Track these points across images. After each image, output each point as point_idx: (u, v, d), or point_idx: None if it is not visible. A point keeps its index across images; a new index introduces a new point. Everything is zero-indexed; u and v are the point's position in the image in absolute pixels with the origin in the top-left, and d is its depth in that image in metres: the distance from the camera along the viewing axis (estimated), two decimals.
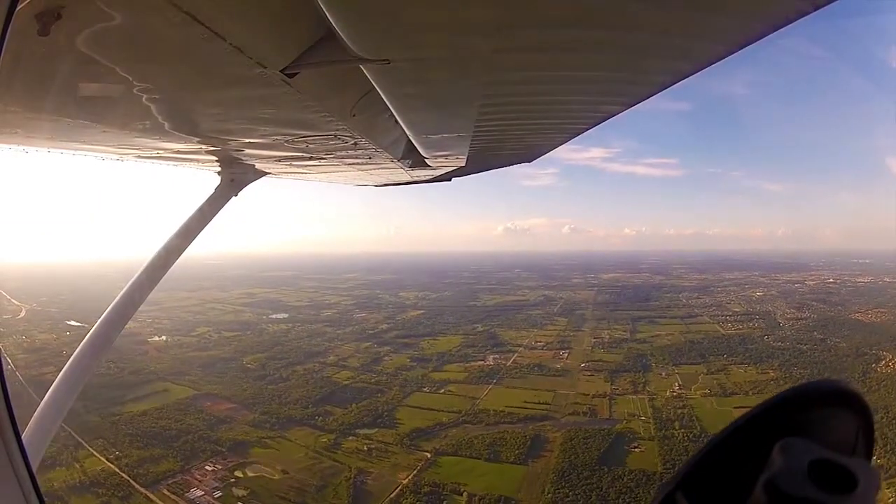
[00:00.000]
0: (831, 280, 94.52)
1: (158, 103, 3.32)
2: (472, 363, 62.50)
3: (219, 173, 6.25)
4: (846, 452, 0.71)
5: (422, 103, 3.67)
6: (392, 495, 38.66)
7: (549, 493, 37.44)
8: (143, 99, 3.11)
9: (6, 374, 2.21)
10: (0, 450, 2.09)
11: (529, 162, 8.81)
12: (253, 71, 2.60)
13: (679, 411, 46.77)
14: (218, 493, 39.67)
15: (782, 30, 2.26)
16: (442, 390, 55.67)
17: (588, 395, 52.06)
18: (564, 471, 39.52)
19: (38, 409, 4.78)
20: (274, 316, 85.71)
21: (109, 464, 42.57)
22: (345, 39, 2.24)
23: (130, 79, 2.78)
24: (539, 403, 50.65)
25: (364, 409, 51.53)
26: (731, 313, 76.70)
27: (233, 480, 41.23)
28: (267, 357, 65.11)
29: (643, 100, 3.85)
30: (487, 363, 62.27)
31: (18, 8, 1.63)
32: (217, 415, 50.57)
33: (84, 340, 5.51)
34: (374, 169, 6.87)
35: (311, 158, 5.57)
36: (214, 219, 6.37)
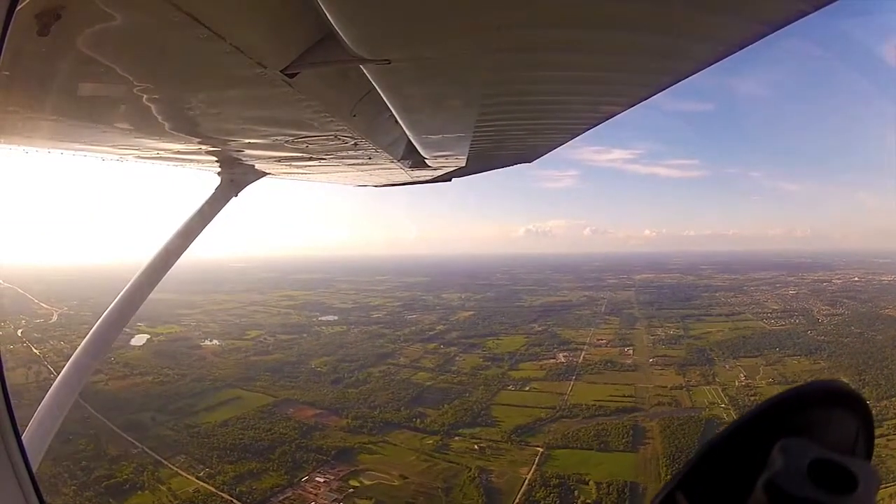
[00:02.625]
0: (857, 279, 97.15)
1: (158, 103, 3.32)
2: (545, 361, 63.55)
3: (219, 174, 6.24)
4: (846, 453, 0.71)
5: (422, 103, 3.67)
6: (522, 490, 38.52)
7: (666, 476, 37.58)
8: (143, 99, 3.11)
9: (6, 373, 2.21)
10: (0, 450, 2.09)
11: (530, 162, 8.81)
12: (253, 71, 2.60)
13: (752, 398, 48.80)
14: None
15: (782, 30, 2.26)
16: (527, 388, 56.34)
17: (666, 387, 54.17)
18: (674, 455, 40.34)
19: (39, 409, 4.77)
20: (323, 318, 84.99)
21: (202, 483, 38.97)
22: (345, 39, 2.24)
23: (130, 79, 2.78)
24: (624, 397, 52.42)
25: (457, 409, 51.31)
26: (770, 311, 79.56)
27: (351, 491, 38.82)
28: (335, 360, 64.19)
29: (643, 100, 3.85)
30: (560, 361, 63.56)
31: (18, 8, 1.63)
32: (305, 422, 48.77)
33: (84, 340, 5.51)
34: (375, 169, 6.87)
35: (311, 159, 5.57)
36: (214, 219, 6.36)
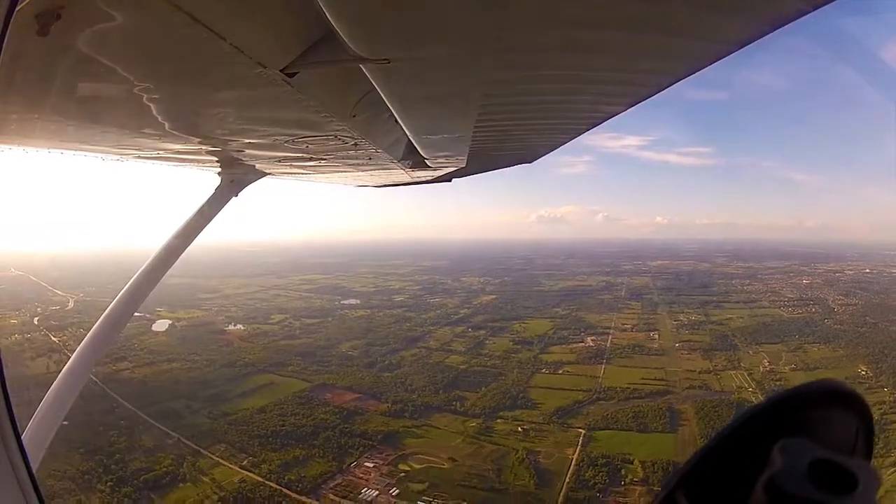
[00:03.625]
0: (867, 270, 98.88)
1: (158, 103, 3.32)
2: (574, 345, 64.17)
3: (219, 174, 6.24)
4: (846, 452, 0.71)
5: (422, 103, 3.67)
6: (571, 470, 38.83)
7: None
8: (144, 99, 3.11)
9: (6, 373, 2.21)
10: (0, 450, 2.09)
11: (530, 162, 8.81)
12: (253, 71, 2.60)
13: (777, 383, 50.18)
14: (395, 491, 36.38)
15: (782, 29, 2.26)
16: (560, 371, 56.98)
17: (695, 371, 55.19)
18: (711, 435, 41.47)
19: (39, 409, 4.78)
20: (345, 302, 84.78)
21: (247, 472, 37.37)
22: (345, 39, 2.24)
23: (130, 79, 2.78)
24: (655, 380, 53.29)
25: (495, 392, 51.51)
26: (787, 299, 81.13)
27: (402, 475, 38.17)
28: (365, 344, 63.81)
29: (643, 100, 3.85)
30: (588, 344, 64.32)
31: (18, 8, 1.63)
32: (345, 406, 48.15)
33: (84, 340, 5.52)
34: (375, 170, 6.87)
35: (311, 159, 5.57)
36: (215, 219, 6.37)
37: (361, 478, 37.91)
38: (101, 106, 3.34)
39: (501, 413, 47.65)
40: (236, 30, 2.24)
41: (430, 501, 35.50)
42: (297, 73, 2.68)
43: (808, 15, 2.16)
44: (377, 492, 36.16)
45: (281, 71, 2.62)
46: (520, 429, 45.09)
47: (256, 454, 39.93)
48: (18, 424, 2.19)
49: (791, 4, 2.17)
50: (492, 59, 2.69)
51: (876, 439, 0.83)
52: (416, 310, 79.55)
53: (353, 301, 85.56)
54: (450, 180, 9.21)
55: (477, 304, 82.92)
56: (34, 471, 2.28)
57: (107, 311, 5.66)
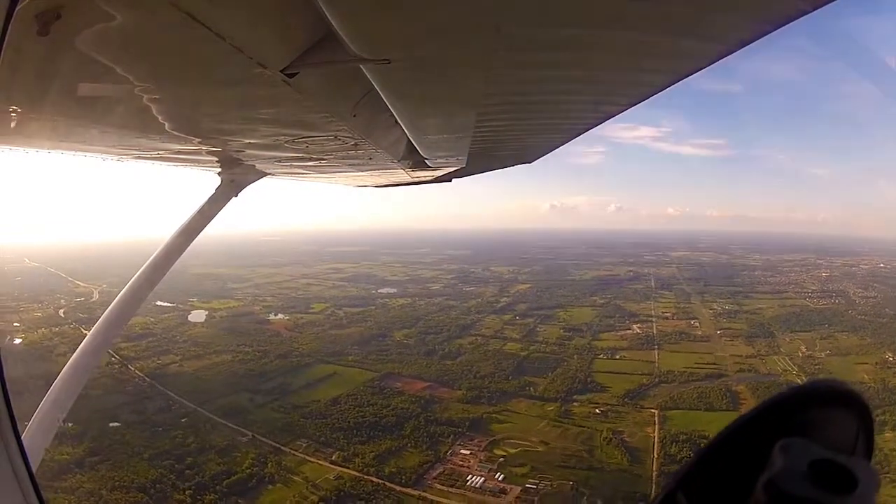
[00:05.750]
0: (882, 265, 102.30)
1: (158, 103, 3.32)
2: (623, 332, 66.12)
3: (219, 174, 6.25)
4: (846, 452, 0.71)
5: (421, 103, 3.66)
6: (656, 447, 39.86)
7: None
8: (144, 99, 3.11)
9: (6, 373, 2.21)
10: (0, 450, 2.09)
11: (530, 162, 8.81)
12: (253, 71, 2.60)
13: (816, 367, 52.81)
14: (501, 476, 35.94)
15: (782, 29, 2.26)
16: (617, 356, 58.65)
17: (741, 355, 57.37)
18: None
19: (39, 409, 4.77)
20: (382, 291, 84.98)
21: (341, 468, 35.23)
22: (345, 39, 2.24)
23: (130, 79, 2.78)
24: (707, 364, 55.37)
25: (562, 377, 52.40)
26: (810, 291, 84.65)
27: (502, 460, 37.97)
28: (417, 332, 63.93)
29: (643, 100, 3.85)
30: (636, 332, 66.48)
31: (18, 8, 1.63)
32: (419, 395, 47.79)
33: (84, 340, 5.51)
34: (375, 170, 6.88)
35: (311, 159, 5.57)
36: (215, 219, 6.37)
37: (462, 465, 37.43)
38: (101, 106, 3.33)
39: (576, 396, 48.74)
40: (236, 30, 2.24)
41: (538, 483, 35.70)
42: (297, 73, 2.68)
43: (809, 15, 2.16)
44: (483, 478, 35.81)
45: (281, 71, 2.62)
46: (597, 410, 46.44)
47: (344, 448, 38.63)
48: (18, 424, 2.19)
49: (791, 4, 2.17)
50: (492, 60, 2.68)
51: (875, 440, 0.83)
52: (456, 298, 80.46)
53: (390, 290, 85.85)
54: (450, 180, 9.21)
55: (515, 293, 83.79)
56: (34, 471, 2.28)
57: (107, 311, 5.66)
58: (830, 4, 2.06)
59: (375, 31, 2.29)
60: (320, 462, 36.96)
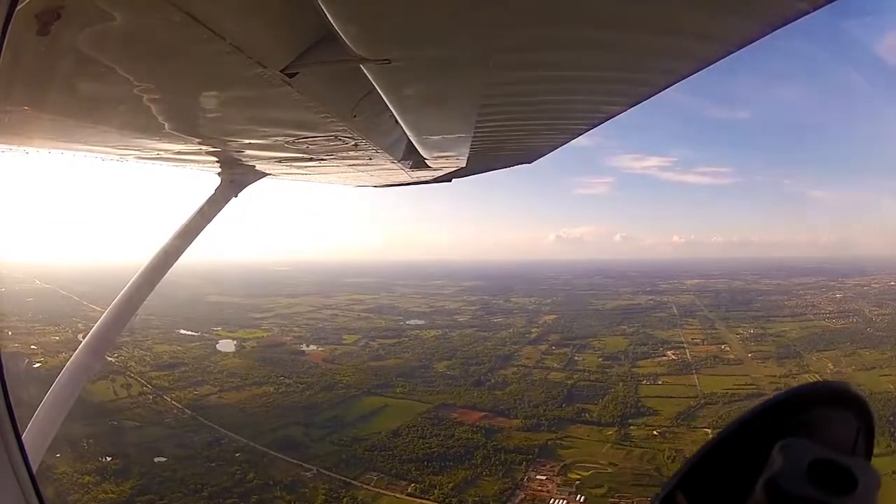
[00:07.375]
0: (893, 283, 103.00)
1: (158, 103, 3.32)
2: (659, 358, 66.89)
3: (219, 174, 6.24)
4: (846, 453, 0.71)
5: (422, 103, 3.67)
6: None
7: None
8: (144, 99, 3.11)
9: (6, 373, 2.21)
10: (0, 450, 2.09)
11: (530, 163, 8.81)
12: (253, 71, 2.60)
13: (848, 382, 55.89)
14: (582, 497, 37.12)
15: (782, 30, 2.26)
16: (659, 381, 59.57)
17: (775, 375, 58.45)
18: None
19: (39, 409, 4.78)
20: (410, 322, 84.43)
21: (422, 500, 35.76)
22: (345, 39, 2.24)
23: (130, 79, 2.78)
24: (746, 385, 56.65)
25: (613, 402, 53.07)
26: (828, 311, 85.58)
27: (578, 482, 38.69)
28: (459, 363, 64.23)
29: (643, 100, 3.85)
30: (672, 358, 67.16)
31: (18, 8, 1.63)
32: (479, 425, 48.38)
33: (84, 342, 5.52)
34: (375, 170, 6.87)
35: (311, 159, 5.57)
36: (214, 220, 6.36)
37: (542, 489, 38.22)
38: (101, 106, 3.34)
39: (630, 420, 49.61)
40: (236, 30, 2.24)
41: (619, 502, 36.70)
42: (297, 73, 2.68)
43: (809, 15, 2.16)
44: (565, 500, 36.83)
45: (281, 71, 2.62)
46: (655, 432, 47.18)
47: (418, 479, 38.57)
48: (18, 424, 2.19)
49: (791, 4, 2.17)
50: (492, 59, 2.68)
51: (876, 439, 0.83)
52: (486, 329, 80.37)
53: (417, 321, 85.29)
54: (450, 180, 9.20)
55: (542, 324, 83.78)
56: (34, 471, 2.28)
57: (106, 312, 5.66)
58: (830, 4, 2.06)
59: (375, 31, 2.30)
60: (397, 495, 37.32)
